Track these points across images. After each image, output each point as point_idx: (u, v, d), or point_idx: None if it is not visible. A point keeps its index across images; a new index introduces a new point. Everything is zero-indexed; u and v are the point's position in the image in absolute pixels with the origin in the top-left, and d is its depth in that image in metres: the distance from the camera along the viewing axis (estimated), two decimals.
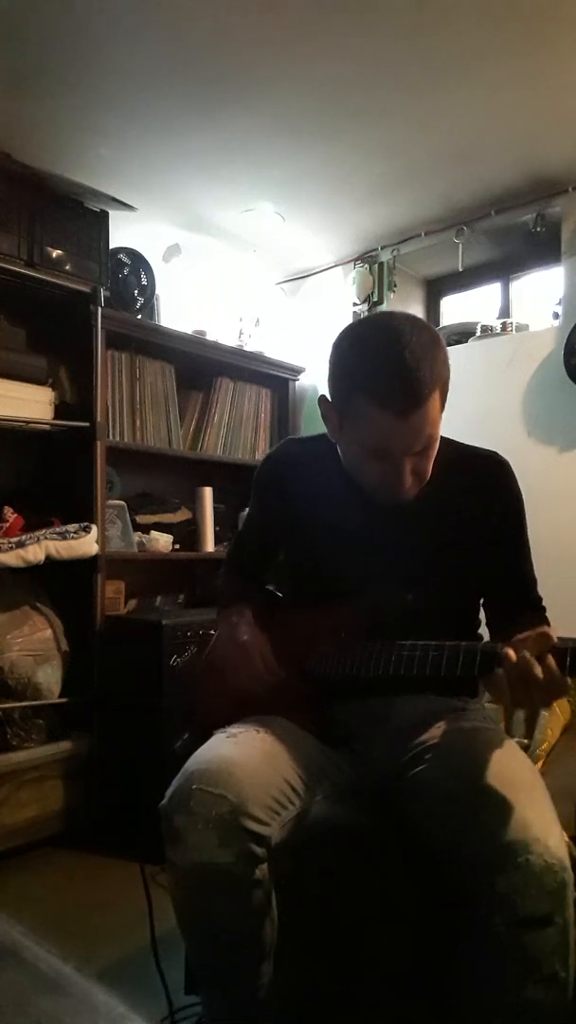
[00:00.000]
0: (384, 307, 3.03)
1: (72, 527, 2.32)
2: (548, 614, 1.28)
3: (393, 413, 1.07)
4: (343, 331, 1.17)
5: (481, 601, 1.32)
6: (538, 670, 0.96)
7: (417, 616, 1.15)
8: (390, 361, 1.07)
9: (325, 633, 1.23)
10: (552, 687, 0.97)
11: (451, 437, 1.26)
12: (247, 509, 1.46)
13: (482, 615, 1.33)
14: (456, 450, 1.26)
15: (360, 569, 1.22)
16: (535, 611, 1.27)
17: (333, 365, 1.16)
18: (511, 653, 0.98)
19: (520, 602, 1.27)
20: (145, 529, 2.76)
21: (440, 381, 1.09)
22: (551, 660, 0.97)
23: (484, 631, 1.34)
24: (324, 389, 1.20)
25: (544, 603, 1.29)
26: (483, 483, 1.24)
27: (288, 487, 1.33)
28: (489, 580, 1.28)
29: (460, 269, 2.81)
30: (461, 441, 1.29)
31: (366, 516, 1.21)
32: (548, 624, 1.22)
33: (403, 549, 1.21)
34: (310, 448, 1.31)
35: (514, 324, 2.79)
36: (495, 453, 1.28)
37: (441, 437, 1.21)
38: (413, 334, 1.08)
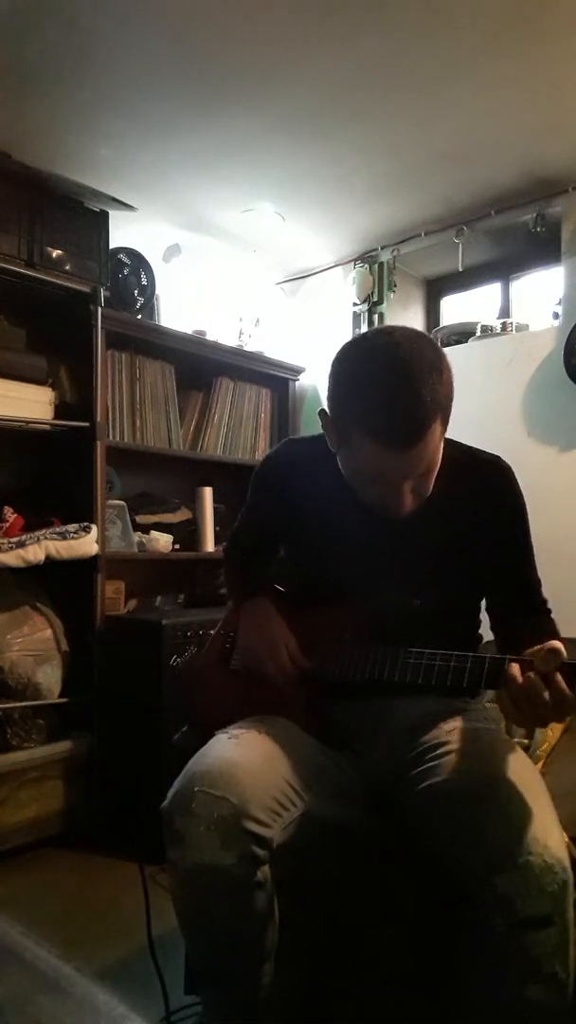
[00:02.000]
0: (384, 307, 3.03)
1: (72, 527, 2.32)
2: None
3: (389, 448, 1.04)
4: (342, 350, 1.13)
5: (483, 604, 1.32)
6: (546, 693, 0.94)
7: (419, 619, 1.15)
8: (387, 395, 1.03)
9: (328, 634, 1.23)
10: (561, 707, 0.95)
11: (452, 438, 1.26)
12: (243, 508, 1.46)
13: (483, 616, 1.33)
14: (460, 451, 1.25)
15: (360, 570, 1.22)
16: (540, 615, 1.26)
17: (331, 388, 1.12)
18: (517, 674, 0.97)
19: (524, 605, 1.27)
20: (145, 529, 2.76)
21: (441, 409, 1.05)
22: (560, 679, 0.95)
23: (483, 630, 1.34)
24: (324, 392, 1.17)
25: (548, 605, 1.28)
26: (486, 488, 1.23)
27: (288, 487, 1.32)
28: (493, 583, 1.28)
29: (460, 269, 2.81)
30: (464, 443, 1.28)
31: (367, 518, 1.20)
32: (555, 629, 1.21)
33: (403, 551, 1.21)
34: (310, 449, 1.30)
35: (514, 324, 2.79)
36: (499, 458, 1.27)
37: (446, 438, 1.21)
38: (413, 360, 1.04)
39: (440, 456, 1.12)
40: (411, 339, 1.08)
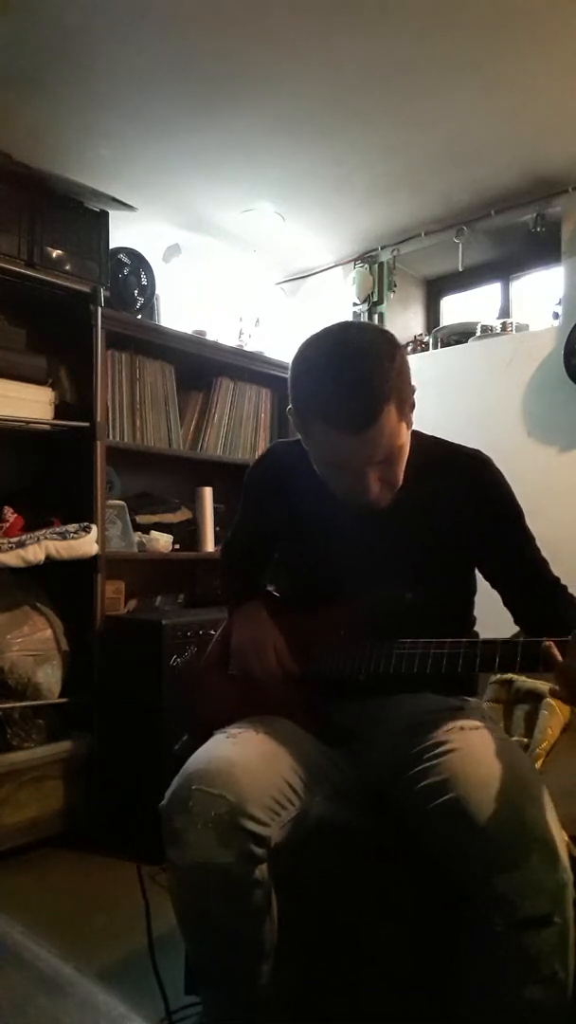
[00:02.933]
0: (384, 307, 3.03)
1: (72, 527, 2.32)
2: None
3: (345, 431, 1.06)
4: (300, 345, 1.15)
5: (476, 599, 1.32)
6: None
7: (413, 614, 1.15)
8: (337, 379, 1.06)
9: (323, 634, 1.23)
10: None
11: (443, 436, 1.27)
12: (237, 513, 1.47)
13: (477, 612, 1.33)
14: (442, 448, 1.27)
15: (351, 568, 1.23)
16: (558, 594, 1.25)
17: (291, 382, 1.15)
18: (557, 654, 0.98)
19: (538, 588, 1.26)
20: (145, 529, 2.76)
21: (395, 392, 1.07)
22: None
23: (479, 627, 1.34)
24: (289, 390, 1.18)
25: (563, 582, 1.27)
26: (467, 480, 1.24)
27: (278, 489, 1.33)
28: (498, 574, 1.28)
29: (460, 269, 2.81)
30: (450, 440, 1.29)
31: (355, 516, 1.21)
32: None
33: (391, 547, 1.22)
34: (297, 450, 1.30)
35: (514, 324, 2.79)
36: (478, 451, 1.28)
37: (428, 436, 1.22)
38: (362, 348, 1.07)
39: (404, 444, 1.13)
40: (363, 330, 1.13)
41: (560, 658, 0.98)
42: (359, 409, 1.05)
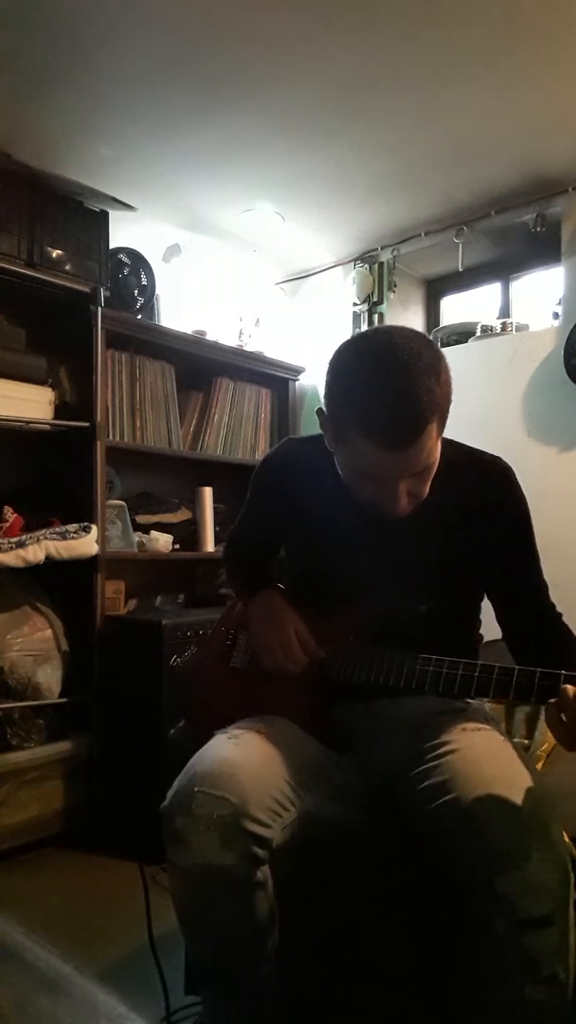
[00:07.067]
0: (384, 307, 3.03)
1: (72, 527, 2.32)
2: None
3: (385, 446, 1.03)
4: (340, 348, 1.12)
5: (483, 604, 1.31)
6: None
7: (423, 624, 1.15)
8: (384, 395, 1.03)
9: (331, 637, 1.23)
10: None
11: (453, 439, 1.26)
12: (242, 508, 1.45)
13: (482, 616, 1.33)
14: (460, 452, 1.24)
15: (361, 572, 1.22)
16: (551, 622, 1.24)
17: (328, 387, 1.12)
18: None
19: (532, 610, 1.25)
20: (145, 529, 2.76)
21: (437, 410, 1.05)
22: None
23: (482, 631, 1.34)
24: (324, 392, 1.15)
25: (557, 609, 1.26)
26: (486, 488, 1.22)
27: (289, 487, 1.31)
28: (498, 588, 1.27)
29: (460, 269, 2.81)
30: (464, 443, 1.27)
31: (366, 519, 1.19)
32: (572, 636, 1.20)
33: (403, 553, 1.21)
34: (310, 449, 1.29)
35: (514, 324, 2.79)
36: (499, 458, 1.26)
37: (445, 439, 1.20)
38: (411, 361, 1.03)
39: (437, 458, 1.11)
40: (409, 339, 1.07)
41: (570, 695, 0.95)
42: (403, 427, 1.02)
